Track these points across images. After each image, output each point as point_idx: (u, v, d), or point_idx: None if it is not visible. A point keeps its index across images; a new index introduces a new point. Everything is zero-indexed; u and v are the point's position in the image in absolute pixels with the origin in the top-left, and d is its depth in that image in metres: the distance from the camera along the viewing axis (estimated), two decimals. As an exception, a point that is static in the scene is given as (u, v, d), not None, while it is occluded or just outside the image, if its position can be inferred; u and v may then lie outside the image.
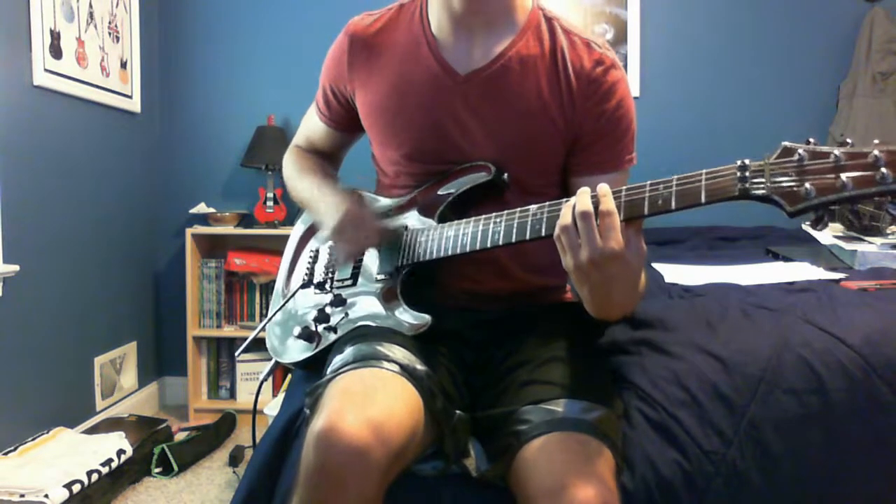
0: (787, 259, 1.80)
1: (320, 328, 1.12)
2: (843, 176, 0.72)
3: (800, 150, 0.75)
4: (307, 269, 1.25)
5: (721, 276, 1.54)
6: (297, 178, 1.28)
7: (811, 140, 0.76)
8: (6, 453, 1.97)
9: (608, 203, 0.82)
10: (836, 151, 0.73)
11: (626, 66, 2.90)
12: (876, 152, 0.70)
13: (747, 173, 0.77)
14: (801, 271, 1.58)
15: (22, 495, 1.78)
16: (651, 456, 0.96)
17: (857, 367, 1.01)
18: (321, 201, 1.17)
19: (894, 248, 1.67)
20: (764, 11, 2.91)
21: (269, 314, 1.24)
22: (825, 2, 2.90)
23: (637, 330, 1.20)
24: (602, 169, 1.08)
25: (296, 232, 1.36)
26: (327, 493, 0.77)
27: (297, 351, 1.16)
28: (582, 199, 0.83)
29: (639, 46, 2.92)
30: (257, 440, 1.13)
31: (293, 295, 1.22)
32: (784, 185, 0.75)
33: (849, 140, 0.73)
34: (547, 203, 0.93)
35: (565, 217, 0.84)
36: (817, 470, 0.98)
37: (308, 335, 1.12)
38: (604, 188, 0.83)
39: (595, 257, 0.81)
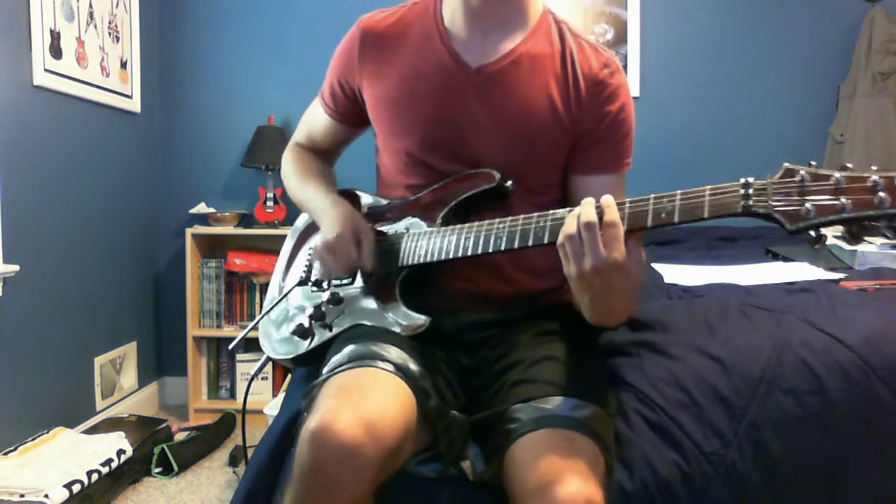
0: (786, 259, 1.80)
1: (315, 325, 1.12)
2: (843, 198, 0.74)
3: (801, 172, 0.77)
4: (305, 266, 1.25)
5: (721, 277, 1.55)
6: (297, 180, 1.28)
7: (812, 163, 0.78)
8: (6, 453, 1.97)
9: (613, 214, 0.83)
10: (837, 174, 0.75)
11: (626, 66, 2.90)
12: (875, 177, 0.73)
13: (750, 191, 0.79)
14: (801, 271, 1.58)
15: (22, 495, 1.78)
16: (650, 457, 0.96)
17: (857, 368, 1.01)
18: (320, 212, 1.17)
19: (894, 248, 1.67)
20: (764, 12, 2.91)
21: (265, 310, 1.24)
22: (825, 2, 2.90)
23: (636, 331, 1.20)
24: (600, 169, 1.11)
25: (294, 230, 1.36)
26: (320, 490, 0.78)
27: (291, 347, 1.16)
28: (586, 210, 0.84)
29: (639, 46, 2.92)
30: (255, 440, 1.13)
31: (290, 291, 1.22)
32: (785, 204, 0.78)
33: (849, 165, 0.76)
34: (550, 212, 0.94)
35: (570, 226, 0.85)
36: (817, 470, 0.98)
37: (302, 332, 1.13)
38: (608, 199, 0.85)
39: (598, 267, 0.82)
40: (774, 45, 2.91)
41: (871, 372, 1.01)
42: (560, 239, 0.86)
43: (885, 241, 1.71)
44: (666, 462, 0.96)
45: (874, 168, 0.74)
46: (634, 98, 2.93)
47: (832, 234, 1.91)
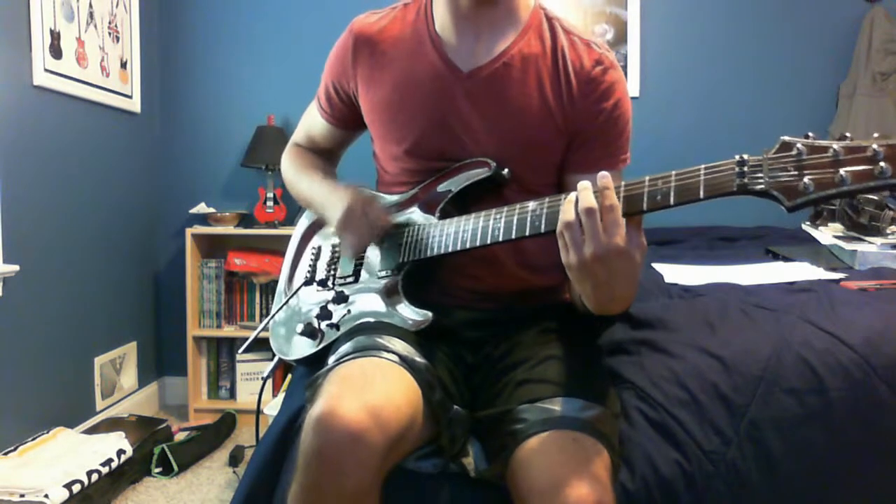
0: (787, 259, 1.80)
1: (323, 325, 1.12)
2: (842, 170, 0.72)
3: (798, 145, 0.75)
4: (309, 266, 1.26)
5: (721, 276, 1.54)
6: (298, 175, 1.28)
7: (810, 134, 0.75)
8: (6, 453, 1.97)
9: (611, 198, 0.81)
10: (835, 146, 0.73)
11: (626, 66, 2.90)
12: (875, 146, 0.71)
13: (746, 168, 0.77)
14: (801, 271, 1.58)
15: (22, 495, 1.78)
16: (651, 456, 0.96)
17: (857, 367, 1.01)
18: (325, 197, 1.18)
19: (894, 248, 1.67)
20: (764, 12, 2.91)
21: (272, 312, 1.24)
22: (825, 2, 2.90)
23: (637, 330, 1.20)
24: (597, 167, 1.08)
25: (298, 230, 1.37)
26: (325, 476, 0.78)
27: (300, 348, 1.16)
28: (585, 195, 0.82)
29: (639, 46, 2.92)
30: (253, 440, 1.13)
31: (296, 292, 1.23)
32: (782, 179, 0.75)
33: (847, 134, 0.73)
34: (546, 199, 0.93)
35: (568, 213, 0.83)
36: (817, 470, 0.98)
37: (311, 332, 1.13)
38: (606, 181, 0.82)
39: (600, 253, 0.80)
40: (774, 45, 2.91)
41: (871, 371, 1.01)
42: (559, 227, 0.84)
43: (885, 241, 1.71)
44: (667, 460, 0.96)
45: (875, 136, 0.72)
46: (634, 98, 2.95)
47: (832, 235, 1.91)
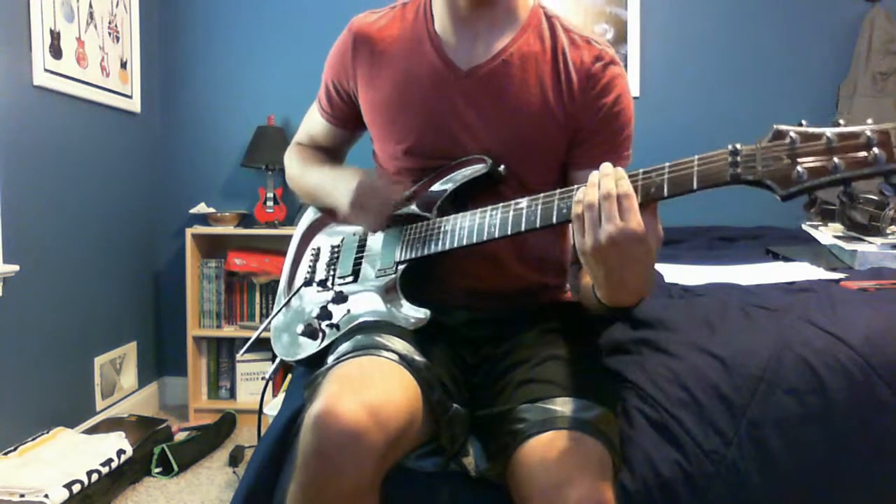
0: (786, 259, 1.80)
1: (323, 325, 1.12)
2: (836, 157, 0.71)
3: (791, 133, 0.74)
4: (309, 267, 1.26)
5: (721, 276, 1.54)
6: (303, 168, 1.28)
7: (803, 122, 0.75)
8: (6, 453, 1.97)
9: (626, 186, 0.81)
10: (828, 132, 0.72)
11: (626, 66, 2.89)
12: (868, 132, 0.70)
13: (739, 158, 0.77)
14: (801, 271, 1.58)
15: (22, 495, 1.78)
16: (651, 456, 0.96)
17: (857, 367, 1.01)
18: (335, 181, 1.18)
19: (894, 248, 1.67)
20: (764, 12, 2.91)
21: (273, 313, 1.25)
22: (825, 2, 2.90)
23: (637, 330, 1.20)
24: (599, 164, 1.09)
25: (298, 231, 1.37)
26: (324, 475, 0.78)
27: (301, 349, 1.16)
28: (604, 182, 0.82)
29: (639, 46, 2.92)
30: (253, 440, 1.13)
31: (296, 293, 1.23)
32: (776, 168, 0.75)
33: (841, 120, 0.73)
34: (541, 195, 0.94)
35: (590, 195, 0.83)
36: (817, 470, 0.98)
37: (311, 332, 1.13)
38: (619, 171, 0.83)
39: (616, 237, 0.80)
40: (774, 45, 2.91)
41: (871, 371, 1.00)
42: (577, 209, 0.84)
43: (885, 241, 1.71)
44: (667, 461, 0.96)
45: (868, 121, 0.71)
46: (634, 98, 2.95)
47: (832, 235, 1.91)
